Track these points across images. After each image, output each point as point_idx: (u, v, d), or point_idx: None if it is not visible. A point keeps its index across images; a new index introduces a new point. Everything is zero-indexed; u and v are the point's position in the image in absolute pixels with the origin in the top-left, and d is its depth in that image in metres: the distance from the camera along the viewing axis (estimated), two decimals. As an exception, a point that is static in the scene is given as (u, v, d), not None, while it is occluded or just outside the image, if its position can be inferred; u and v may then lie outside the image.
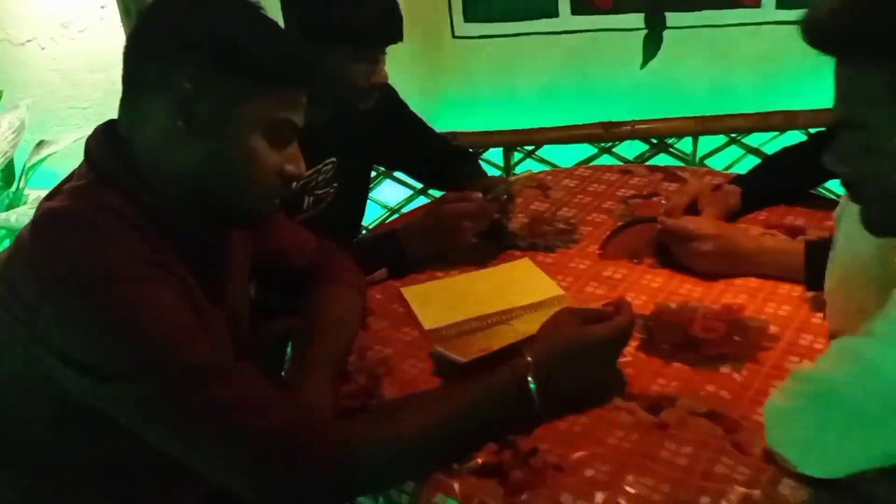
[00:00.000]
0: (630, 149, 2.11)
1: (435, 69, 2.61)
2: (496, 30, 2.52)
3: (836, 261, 1.06)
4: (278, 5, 1.33)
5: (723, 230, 1.28)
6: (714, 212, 1.38)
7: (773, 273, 1.23)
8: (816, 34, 0.72)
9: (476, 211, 1.36)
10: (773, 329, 1.11)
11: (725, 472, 0.85)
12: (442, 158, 1.71)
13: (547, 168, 2.06)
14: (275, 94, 0.87)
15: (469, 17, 2.53)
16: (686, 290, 1.23)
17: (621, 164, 2.04)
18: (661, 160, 2.05)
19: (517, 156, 2.14)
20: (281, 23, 1.00)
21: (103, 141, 0.89)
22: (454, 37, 2.56)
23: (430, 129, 1.73)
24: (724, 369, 1.03)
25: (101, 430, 0.82)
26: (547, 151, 2.13)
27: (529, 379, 0.92)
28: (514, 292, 1.26)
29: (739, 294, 1.20)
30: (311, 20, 1.31)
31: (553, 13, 2.45)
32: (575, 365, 0.95)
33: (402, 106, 1.68)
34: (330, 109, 1.39)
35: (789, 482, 0.82)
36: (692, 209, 1.40)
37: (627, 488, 0.84)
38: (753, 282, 1.23)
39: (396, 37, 1.36)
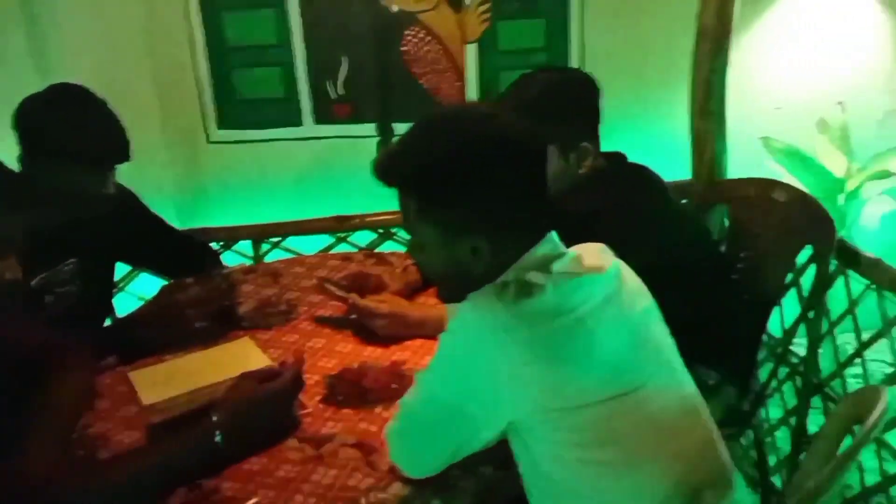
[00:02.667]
0: (364, 237, 2.46)
1: (192, 170, 2.86)
2: (248, 136, 2.84)
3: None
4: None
5: (396, 306, 1.62)
6: (396, 287, 1.74)
7: (434, 333, 1.56)
8: (376, 171, 1.08)
9: (199, 299, 1.61)
10: (423, 376, 1.45)
11: (356, 484, 1.15)
12: (180, 254, 1.94)
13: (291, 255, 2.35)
14: None
15: (222, 125, 2.83)
16: (368, 353, 1.55)
17: (355, 250, 2.38)
18: (388, 246, 2.42)
19: (265, 246, 2.41)
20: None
21: None
22: (209, 142, 2.84)
23: (169, 228, 1.95)
24: (378, 409, 1.34)
25: None
26: (293, 242, 2.43)
27: (216, 433, 1.17)
28: (229, 366, 1.49)
29: (406, 352, 1.54)
30: (47, 142, 1.52)
31: (298, 123, 2.82)
32: (253, 417, 1.22)
33: (142, 208, 1.89)
34: (68, 215, 1.59)
35: (399, 485, 1.14)
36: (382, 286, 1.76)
37: (282, 508, 1.11)
38: (419, 342, 1.57)
39: (123, 158, 1.60)
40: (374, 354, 1.54)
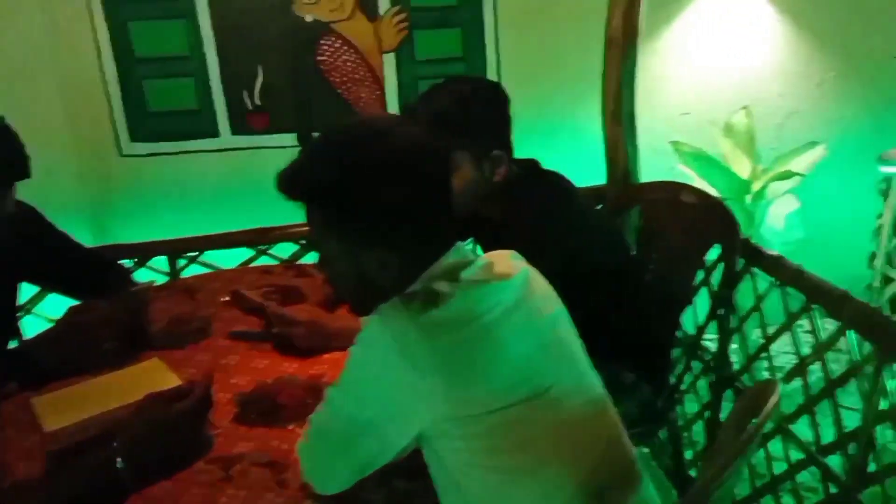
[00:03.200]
0: (285, 249, 2.42)
1: (105, 185, 2.77)
2: (162, 148, 2.76)
3: None
4: None
5: (315, 315, 1.61)
6: (317, 299, 1.72)
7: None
8: (279, 184, 1.06)
9: (107, 319, 1.56)
10: (340, 390, 1.44)
11: (266, 504, 1.13)
12: (88, 273, 1.87)
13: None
14: None
15: (135, 137, 2.75)
16: (285, 367, 1.53)
17: (276, 262, 2.34)
18: (311, 258, 2.39)
19: (182, 262, 2.35)
20: None
21: None
22: (122, 155, 2.76)
23: (76, 245, 1.87)
24: (292, 426, 1.32)
25: None
26: (211, 256, 2.37)
27: (118, 460, 1.13)
28: (138, 389, 1.43)
29: (323, 365, 1.52)
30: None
31: (214, 134, 2.77)
32: (159, 440, 1.18)
33: (46, 226, 1.81)
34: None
35: (309, 502, 1.12)
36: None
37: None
38: (337, 354, 1.56)
39: (21, 175, 1.53)
40: (290, 369, 1.52)
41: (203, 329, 1.71)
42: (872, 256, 2.75)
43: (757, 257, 1.81)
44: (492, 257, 1.14)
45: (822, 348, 1.61)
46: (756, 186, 2.51)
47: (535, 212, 1.61)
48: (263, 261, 2.38)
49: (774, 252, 1.79)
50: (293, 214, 2.36)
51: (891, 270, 2.65)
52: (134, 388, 1.45)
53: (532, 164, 1.72)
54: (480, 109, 1.59)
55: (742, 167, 2.52)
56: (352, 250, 1.06)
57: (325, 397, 1.10)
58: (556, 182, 1.70)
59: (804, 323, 1.70)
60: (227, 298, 1.78)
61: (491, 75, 2.78)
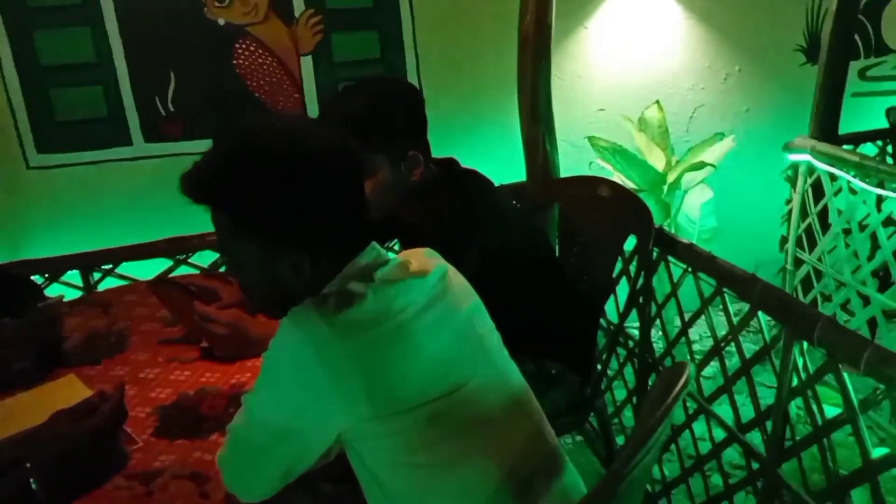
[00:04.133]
0: (206, 257, 2.37)
1: (11, 199, 2.65)
2: (72, 159, 2.66)
3: None
4: None
5: (238, 318, 1.57)
6: (235, 300, 1.68)
7: None
8: (183, 187, 1.04)
9: (15, 338, 1.49)
10: (264, 396, 1.41)
11: (188, 518, 1.10)
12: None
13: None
14: None
15: (42, 147, 2.64)
16: (206, 378, 1.49)
17: (195, 272, 2.29)
18: (234, 265, 2.35)
19: (97, 275, 2.26)
20: None
21: None
22: (28, 167, 2.64)
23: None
24: (214, 437, 1.29)
25: None
26: (128, 268, 2.30)
27: (31, 481, 1.08)
28: (51, 407, 1.39)
29: (246, 373, 1.50)
30: None
31: (127, 142, 2.68)
32: (71, 457, 1.14)
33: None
34: None
35: (235, 511, 1.10)
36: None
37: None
38: (259, 361, 1.53)
39: None
40: (212, 379, 1.49)
41: (119, 343, 1.66)
42: (783, 241, 2.87)
43: (671, 246, 1.87)
44: (407, 255, 1.14)
45: (736, 330, 1.68)
46: (671, 178, 2.59)
47: (453, 211, 1.62)
48: (182, 271, 2.32)
49: (686, 240, 1.85)
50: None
51: (801, 253, 2.78)
52: (47, 406, 1.38)
53: (450, 163, 1.73)
54: (395, 110, 1.58)
55: (657, 160, 2.60)
56: (263, 254, 1.04)
57: (242, 404, 1.08)
58: (473, 180, 1.71)
59: (719, 307, 1.76)
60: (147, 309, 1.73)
61: (410, 76, 2.79)
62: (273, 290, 1.07)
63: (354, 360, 0.97)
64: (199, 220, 2.36)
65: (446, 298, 1.10)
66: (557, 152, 2.37)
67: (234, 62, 2.69)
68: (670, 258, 1.91)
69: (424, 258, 1.16)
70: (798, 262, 2.82)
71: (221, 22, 2.64)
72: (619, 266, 1.99)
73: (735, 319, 1.70)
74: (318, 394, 0.98)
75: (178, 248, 2.29)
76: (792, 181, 2.82)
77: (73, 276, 2.25)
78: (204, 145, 2.80)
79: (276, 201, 1.00)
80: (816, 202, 2.70)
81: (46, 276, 2.20)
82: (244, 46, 2.68)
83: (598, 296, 1.98)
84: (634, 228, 1.88)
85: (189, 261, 2.33)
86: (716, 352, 1.77)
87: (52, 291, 2.17)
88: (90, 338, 1.69)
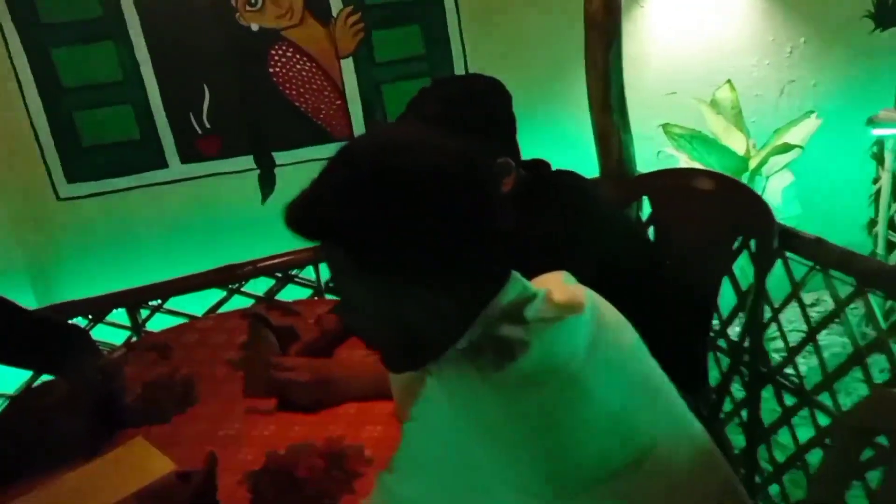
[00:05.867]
0: (261, 284, 2.18)
1: (43, 235, 2.46)
2: (105, 187, 2.48)
3: (396, 378, 1.22)
4: None
5: (315, 371, 1.37)
6: (311, 338, 1.50)
7: (369, 394, 1.36)
8: (290, 222, 0.84)
9: (68, 398, 1.30)
10: (368, 452, 1.22)
11: None
12: (37, 343, 1.58)
13: (181, 320, 2.04)
14: None
15: (71, 177, 2.45)
16: (296, 432, 1.30)
17: (252, 302, 2.10)
18: (291, 291, 2.16)
19: (144, 313, 2.08)
20: None
21: None
22: (59, 199, 2.46)
23: (16, 310, 1.58)
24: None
25: None
26: (177, 303, 2.11)
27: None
28: (125, 478, 1.21)
29: (340, 423, 1.30)
30: None
31: (162, 164, 2.49)
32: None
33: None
34: None
35: None
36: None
37: None
38: (352, 407, 1.34)
39: None
40: (302, 432, 1.30)
41: (186, 394, 1.47)
42: (871, 223, 2.66)
43: (792, 241, 1.65)
44: (546, 284, 0.94)
45: (887, 335, 1.46)
46: (753, 163, 2.38)
47: (557, 221, 1.41)
48: (238, 301, 2.12)
49: (811, 234, 1.64)
50: (263, 245, 2.18)
51: (894, 235, 2.56)
52: (119, 478, 1.22)
53: (543, 167, 1.52)
54: (478, 111, 1.37)
55: (737, 143, 2.38)
56: (390, 295, 0.84)
57: (377, 486, 0.88)
58: (574, 184, 1.51)
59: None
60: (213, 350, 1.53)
61: (457, 72, 2.58)
62: (401, 337, 0.87)
63: (523, 428, 0.77)
64: (247, 244, 2.23)
65: (606, 336, 0.90)
66: (633, 144, 2.17)
67: (270, 70, 2.50)
68: (788, 254, 1.70)
69: (564, 285, 0.95)
70: (891, 246, 2.60)
71: (255, 28, 2.44)
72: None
73: (883, 322, 1.49)
74: (478, 472, 0.78)
75: (229, 277, 2.10)
76: (878, 158, 2.61)
77: (119, 315, 2.07)
78: (244, 162, 2.63)
79: (410, 231, 0.80)
80: (910, 179, 2.49)
81: (90, 317, 2.01)
82: (280, 52, 2.48)
83: (703, 305, 1.76)
84: (749, 226, 1.67)
85: (242, 290, 2.13)
86: (858, 360, 1.56)
87: (98, 334, 1.99)
88: (151, 389, 1.50)
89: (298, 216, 0.83)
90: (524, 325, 0.83)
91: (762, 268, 1.67)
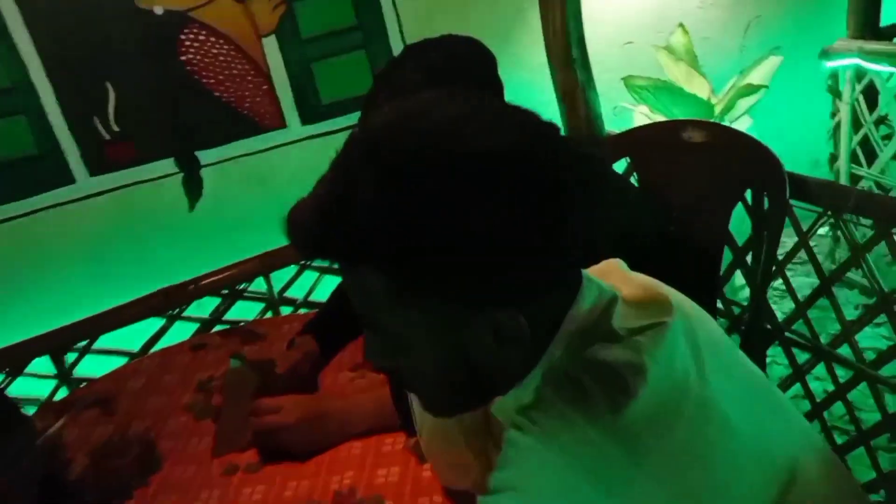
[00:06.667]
0: (205, 306, 1.91)
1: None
2: (4, 213, 2.16)
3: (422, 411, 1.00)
4: None
5: (304, 407, 1.16)
6: (291, 363, 1.27)
7: (374, 427, 1.15)
8: (303, 243, 0.61)
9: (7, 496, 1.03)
10: (390, 504, 1.01)
11: None
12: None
13: (117, 361, 1.75)
14: None
15: (-41, 206, 2.11)
16: (292, 490, 1.07)
17: (194, 330, 1.83)
18: (241, 309, 1.90)
19: (72, 356, 1.77)
20: None
21: None
22: (-54, 233, 2.10)
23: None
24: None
25: None
26: (110, 340, 1.81)
27: None
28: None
29: (346, 469, 1.08)
30: None
31: (68, 180, 2.16)
32: None
33: None
34: None
35: None
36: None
37: None
38: (355, 447, 1.13)
39: None
40: (302, 490, 1.07)
41: (146, 458, 1.21)
42: (831, 159, 2.59)
43: (800, 189, 1.52)
44: (607, 278, 0.74)
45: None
46: (719, 108, 2.25)
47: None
48: (181, 330, 1.84)
49: (819, 178, 1.51)
50: (198, 259, 1.90)
51: (857, 168, 2.50)
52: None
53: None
54: (469, 78, 1.16)
55: (700, 90, 2.25)
56: (446, 322, 0.62)
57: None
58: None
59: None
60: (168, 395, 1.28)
61: (394, 43, 2.34)
62: (457, 374, 0.66)
63: (668, 482, 0.58)
64: (177, 261, 1.94)
65: (701, 336, 0.71)
66: (599, 100, 2.00)
67: (183, 58, 2.20)
68: (794, 202, 1.56)
69: (628, 276, 0.76)
70: (854, 180, 2.53)
71: (159, 11, 2.12)
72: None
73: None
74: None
75: (167, 302, 1.81)
76: (835, 91, 2.53)
77: (41, 363, 1.76)
78: (164, 167, 2.33)
79: (478, 235, 0.58)
80: (870, 110, 2.41)
81: (6, 371, 1.70)
82: (191, 36, 2.18)
83: (709, 270, 1.62)
84: (755, 177, 1.52)
85: (184, 315, 1.86)
86: (885, 308, 1.44)
87: (18, 390, 1.69)
88: (102, 457, 1.22)
89: (314, 237, 0.61)
90: (623, 341, 0.64)
91: (775, 220, 1.52)
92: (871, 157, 2.47)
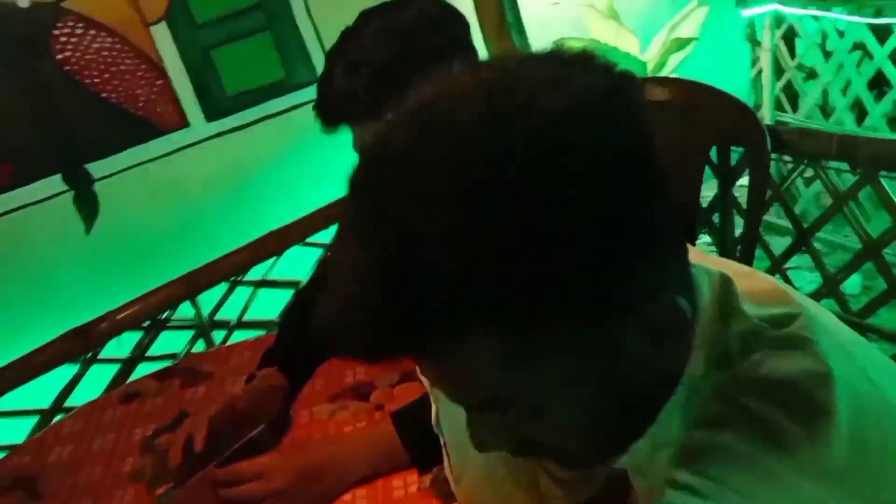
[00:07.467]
0: (126, 343, 1.65)
1: None
2: None
3: (456, 440, 0.81)
4: None
5: (286, 453, 0.98)
6: (256, 409, 1.07)
7: (382, 469, 0.97)
8: (375, 353, 0.45)
9: None
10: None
11: None
12: None
13: (27, 424, 1.49)
14: None
15: None
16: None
17: (114, 373, 1.59)
18: (168, 340, 1.67)
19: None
20: None
21: None
22: None
23: None
24: None
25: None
26: (15, 400, 1.53)
27: None
28: None
29: (360, 531, 0.90)
30: None
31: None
32: None
33: None
34: None
35: None
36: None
37: None
38: (362, 498, 0.94)
39: None
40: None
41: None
42: (755, 108, 2.59)
43: (775, 138, 1.44)
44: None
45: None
46: (651, 65, 2.17)
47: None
48: (99, 374, 1.59)
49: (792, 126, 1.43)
50: (103, 288, 1.65)
51: (783, 115, 2.50)
52: None
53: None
54: (448, 41, 1.00)
55: (631, 47, 2.16)
56: (590, 355, 0.47)
57: None
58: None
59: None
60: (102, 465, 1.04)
61: (301, 22, 2.12)
62: (615, 408, 0.50)
63: None
64: (78, 294, 1.68)
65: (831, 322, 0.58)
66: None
67: (59, 57, 1.91)
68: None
69: (722, 262, 0.62)
70: (781, 125, 2.55)
71: (24, 3, 1.82)
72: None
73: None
74: None
75: (80, 344, 1.55)
76: (753, 40, 2.52)
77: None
78: (49, 186, 2.03)
79: (590, 250, 0.42)
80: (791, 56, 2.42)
81: None
82: (67, 31, 1.91)
83: (687, 229, 1.53)
84: (727, 133, 1.43)
85: (100, 357, 1.60)
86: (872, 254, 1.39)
87: None
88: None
89: (379, 305, 0.43)
90: (776, 342, 0.49)
91: (758, 177, 1.44)
92: (793, 101, 2.49)
